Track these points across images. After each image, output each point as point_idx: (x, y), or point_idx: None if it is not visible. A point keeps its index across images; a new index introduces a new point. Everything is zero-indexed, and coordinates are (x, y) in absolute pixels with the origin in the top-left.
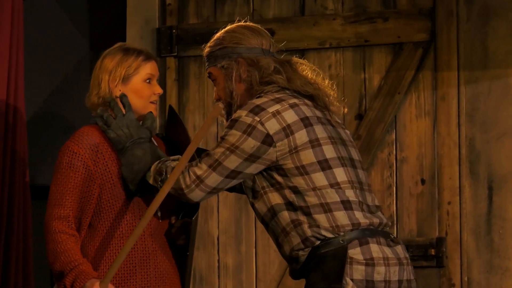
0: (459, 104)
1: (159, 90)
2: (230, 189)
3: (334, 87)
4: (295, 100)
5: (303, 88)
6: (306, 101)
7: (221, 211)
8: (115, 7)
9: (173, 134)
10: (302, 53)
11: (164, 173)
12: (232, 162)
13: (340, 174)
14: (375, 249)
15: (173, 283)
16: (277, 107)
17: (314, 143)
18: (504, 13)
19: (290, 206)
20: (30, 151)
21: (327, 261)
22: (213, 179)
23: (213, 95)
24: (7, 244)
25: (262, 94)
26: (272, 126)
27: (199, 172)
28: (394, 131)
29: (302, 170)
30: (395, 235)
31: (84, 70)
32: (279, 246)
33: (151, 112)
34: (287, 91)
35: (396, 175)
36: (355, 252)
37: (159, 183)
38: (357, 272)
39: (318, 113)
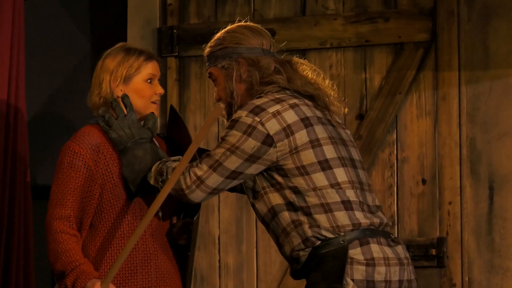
0: (460, 104)
1: (160, 90)
2: (231, 189)
3: (335, 87)
4: (295, 100)
5: (303, 88)
6: (307, 101)
7: (222, 211)
8: (116, 7)
9: (174, 134)
10: (303, 53)
11: (165, 174)
12: (233, 162)
13: (341, 174)
14: (376, 249)
15: (174, 283)
16: (277, 107)
17: (315, 143)
18: (505, 13)
19: (291, 206)
20: (31, 151)
21: (327, 261)
22: (214, 179)
23: (214, 95)
24: (8, 244)
25: (262, 95)
26: (273, 126)
27: (199, 172)
28: (395, 131)
29: (303, 170)
30: (396, 235)
31: (85, 70)
32: (280, 246)
33: (152, 112)
34: (287, 91)
35: (397, 175)
36: (355, 252)
37: (160, 183)
38: (358, 272)
39: (318, 113)
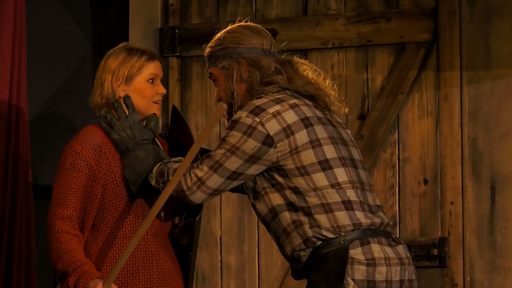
0: (461, 104)
1: (162, 90)
2: (233, 190)
3: (335, 87)
4: (295, 101)
5: (303, 88)
6: (307, 101)
7: (224, 211)
8: (118, 7)
9: (177, 134)
10: (304, 53)
11: (165, 175)
12: (233, 163)
13: (341, 174)
14: (377, 249)
15: (176, 283)
16: (277, 107)
17: (315, 143)
18: (507, 13)
19: (291, 206)
20: (33, 151)
21: (328, 261)
22: (214, 180)
23: (214, 96)
24: (9, 244)
25: (262, 95)
26: (273, 126)
27: (200, 173)
28: (397, 131)
29: (303, 171)
30: (397, 235)
31: (87, 70)
32: (281, 246)
33: (155, 113)
34: (288, 92)
35: (398, 175)
36: (356, 252)
37: (161, 184)
38: (358, 272)
39: (318, 113)
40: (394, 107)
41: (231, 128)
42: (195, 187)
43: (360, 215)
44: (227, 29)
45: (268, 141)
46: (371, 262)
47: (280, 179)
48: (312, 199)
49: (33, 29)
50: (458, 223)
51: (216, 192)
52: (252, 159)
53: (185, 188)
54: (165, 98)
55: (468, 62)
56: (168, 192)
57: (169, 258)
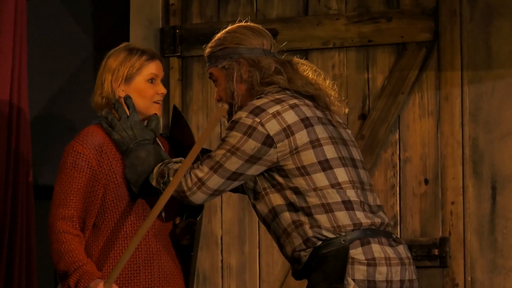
0: (462, 104)
1: (162, 90)
2: (234, 190)
3: (335, 87)
4: (295, 101)
5: (304, 88)
6: (307, 101)
7: (225, 211)
8: (118, 7)
9: (177, 134)
10: (305, 53)
11: (166, 176)
12: (233, 163)
13: (341, 174)
14: (377, 249)
15: (176, 284)
16: (277, 108)
17: (315, 143)
18: (508, 13)
19: (291, 206)
20: (34, 151)
21: (328, 262)
22: (215, 181)
23: (215, 96)
24: (10, 244)
25: (262, 95)
26: (273, 127)
27: (200, 174)
28: (398, 131)
29: (303, 171)
30: (398, 235)
31: (88, 70)
32: (281, 247)
33: (155, 113)
34: (288, 92)
35: (399, 175)
36: (356, 252)
37: (162, 185)
38: (359, 272)
39: (318, 113)
40: (395, 107)
41: (231, 128)
42: (195, 188)
43: (360, 215)
44: (227, 29)
45: (268, 141)
46: (371, 262)
47: (280, 179)
48: (313, 199)
49: (34, 29)
50: (459, 223)
51: (217, 192)
52: (252, 159)
53: (185, 188)
54: (166, 98)
55: (469, 62)
56: (169, 192)
57: (170, 258)
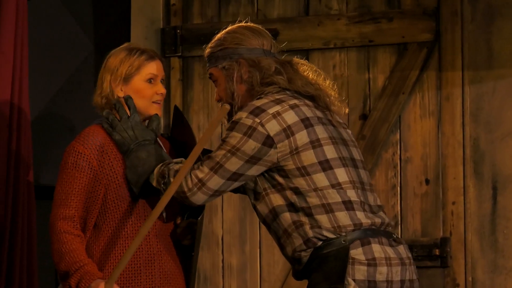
0: (463, 104)
1: (161, 90)
2: (235, 190)
3: (335, 87)
4: (295, 101)
5: (304, 88)
6: (307, 101)
7: (226, 211)
8: (119, 7)
9: (179, 135)
10: (306, 53)
11: (166, 176)
12: (233, 164)
13: (341, 174)
14: (377, 249)
15: (177, 283)
16: (277, 108)
17: (315, 143)
18: (509, 13)
19: (292, 207)
20: (35, 151)
21: (329, 262)
22: (215, 181)
23: (215, 96)
24: (11, 244)
25: (262, 95)
26: (273, 127)
27: (200, 175)
28: (399, 131)
29: (303, 171)
30: (398, 235)
31: (89, 71)
32: (281, 247)
33: (156, 114)
34: (288, 92)
35: (400, 175)
36: (357, 253)
37: (162, 186)
38: (359, 272)
39: (318, 114)
40: (396, 107)
41: (231, 129)
42: (195, 189)
43: (360, 215)
44: (227, 29)
45: (268, 141)
46: (371, 262)
47: (280, 179)
48: (313, 200)
49: (35, 29)
50: (459, 223)
51: (217, 193)
52: (253, 160)
53: (186, 189)
54: (167, 98)
55: (470, 62)
56: (170, 193)
57: (171, 258)
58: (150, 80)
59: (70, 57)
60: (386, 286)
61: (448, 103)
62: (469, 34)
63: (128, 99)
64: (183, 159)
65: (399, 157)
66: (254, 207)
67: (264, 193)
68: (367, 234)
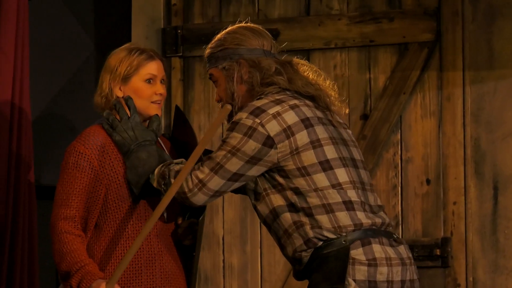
0: (464, 104)
1: (160, 90)
2: (235, 191)
3: (335, 87)
4: (296, 101)
5: (304, 88)
6: (307, 101)
7: (226, 211)
8: (120, 7)
9: (180, 135)
10: (307, 53)
11: (167, 177)
12: (234, 164)
13: (342, 174)
14: (378, 249)
15: (178, 284)
16: (277, 108)
17: (315, 144)
18: (510, 13)
19: (292, 207)
20: (35, 151)
21: (329, 262)
22: (215, 182)
23: (214, 97)
24: (12, 244)
25: (262, 96)
26: (273, 127)
27: (201, 175)
28: (399, 131)
29: (304, 171)
30: (399, 235)
31: (89, 71)
32: (282, 247)
33: (156, 114)
34: (288, 92)
35: (401, 175)
36: (357, 253)
37: (163, 186)
38: (360, 272)
39: (319, 114)
40: (397, 107)
41: (231, 129)
42: (196, 189)
43: (361, 215)
44: (227, 30)
45: (269, 142)
46: (372, 263)
47: (281, 180)
48: (313, 200)
49: (36, 29)
50: (460, 223)
51: (218, 194)
52: (253, 160)
53: (186, 190)
54: (168, 98)
55: (471, 62)
56: (171, 194)
57: (172, 258)
58: (149, 80)
59: (71, 57)
60: (387, 286)
61: (449, 103)
62: (470, 34)
63: (128, 99)
64: (183, 159)
65: (400, 157)
66: (255, 208)
67: (264, 193)
68: (368, 234)
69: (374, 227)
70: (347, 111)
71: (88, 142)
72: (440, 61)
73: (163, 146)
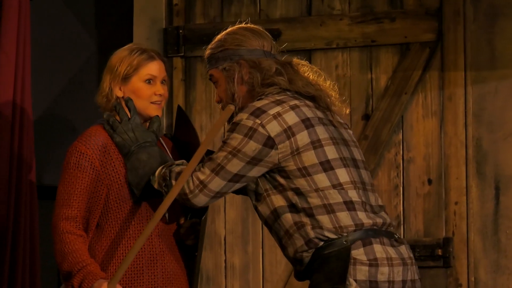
0: (466, 104)
1: (160, 91)
2: (236, 192)
3: (336, 87)
4: (296, 102)
5: (304, 89)
6: (307, 102)
7: (228, 211)
8: (122, 7)
9: (182, 135)
10: (309, 53)
11: (168, 178)
12: (235, 165)
13: (343, 174)
14: (379, 249)
15: (180, 284)
16: (277, 109)
17: (316, 144)
18: (511, 13)
19: (293, 208)
20: (37, 151)
21: (330, 262)
22: (216, 183)
23: (215, 98)
24: (14, 244)
25: (263, 96)
26: (273, 128)
27: (202, 177)
28: (401, 131)
29: (304, 172)
30: (401, 235)
31: (91, 71)
32: (283, 248)
33: (157, 115)
34: (288, 93)
35: (403, 175)
36: (358, 253)
37: (164, 188)
38: (361, 272)
39: (319, 114)
40: (398, 107)
41: (232, 130)
42: (197, 190)
43: (362, 216)
44: (227, 30)
45: (269, 142)
46: (373, 263)
47: (281, 180)
48: (314, 200)
49: (37, 29)
50: (462, 223)
51: (219, 195)
52: (254, 161)
53: (187, 191)
54: (169, 98)
55: (472, 62)
56: (172, 195)
57: (174, 258)
58: (149, 81)
59: (73, 57)
60: (388, 286)
61: (450, 103)
62: (471, 34)
63: (128, 100)
64: (184, 161)
65: (401, 157)
66: (256, 208)
67: (265, 194)
68: (369, 235)
69: (375, 227)
70: (347, 111)
71: (89, 142)
72: (441, 61)
73: (165, 146)
